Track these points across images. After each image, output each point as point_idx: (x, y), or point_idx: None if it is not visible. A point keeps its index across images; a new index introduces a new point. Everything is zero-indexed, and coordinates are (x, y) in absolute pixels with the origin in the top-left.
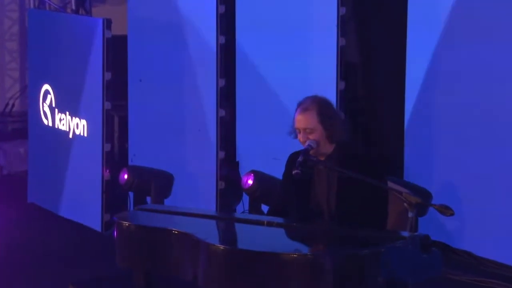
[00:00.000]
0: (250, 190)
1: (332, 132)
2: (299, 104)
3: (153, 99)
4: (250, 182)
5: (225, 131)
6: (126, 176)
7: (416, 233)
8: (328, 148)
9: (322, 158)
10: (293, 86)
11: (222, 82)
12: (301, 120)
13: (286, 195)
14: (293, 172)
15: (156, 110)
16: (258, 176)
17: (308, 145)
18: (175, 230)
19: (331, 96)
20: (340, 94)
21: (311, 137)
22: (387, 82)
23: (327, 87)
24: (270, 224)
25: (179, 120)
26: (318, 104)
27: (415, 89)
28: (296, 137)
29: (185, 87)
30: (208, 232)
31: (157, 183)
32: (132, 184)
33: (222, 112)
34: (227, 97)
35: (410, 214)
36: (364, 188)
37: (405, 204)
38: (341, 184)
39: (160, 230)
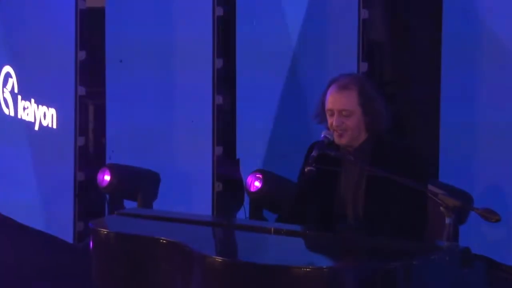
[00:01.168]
0: (258, 195)
1: (372, 118)
2: (334, 81)
3: (136, 84)
4: (258, 184)
5: (223, 122)
6: (108, 177)
7: (455, 244)
8: (360, 138)
9: (351, 149)
10: (307, 64)
11: (219, 63)
12: (337, 100)
13: (302, 195)
14: (306, 170)
15: (139, 97)
16: (267, 177)
17: (324, 136)
18: (163, 239)
19: None
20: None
21: (348, 122)
22: (419, 64)
23: (346, 68)
24: (278, 231)
25: (168, 109)
26: (360, 83)
27: (453, 70)
28: (321, 121)
29: (175, 69)
30: (203, 241)
31: (145, 185)
32: (115, 187)
33: (220, 99)
34: (225, 81)
35: (447, 220)
36: (400, 189)
37: (441, 208)
38: (371, 183)
39: (145, 239)
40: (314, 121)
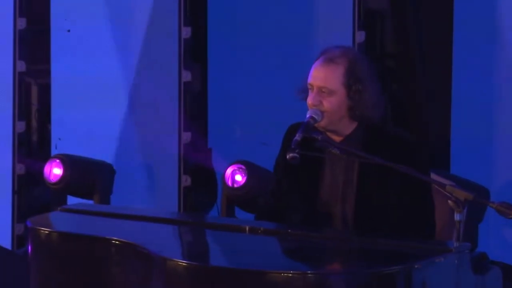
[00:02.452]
0: (240, 191)
1: (357, 104)
2: (323, 52)
3: (87, 58)
4: (240, 178)
5: (191, 103)
6: (58, 171)
7: (466, 244)
8: (346, 126)
9: (338, 139)
10: (292, 34)
11: (187, 32)
12: (319, 74)
13: (281, 188)
14: (288, 156)
15: (91, 75)
16: (252, 170)
17: (310, 116)
18: (115, 240)
19: None
20: (359, 49)
21: (326, 102)
22: (427, 35)
23: (341, 38)
24: (254, 230)
25: (125, 87)
26: (351, 58)
27: (466, 45)
28: (306, 98)
29: (133, 39)
30: (164, 242)
31: (102, 180)
32: (68, 183)
33: (187, 76)
34: (194, 53)
35: (457, 217)
36: (399, 181)
37: (450, 202)
38: (364, 176)
39: (94, 240)
40: (298, 97)
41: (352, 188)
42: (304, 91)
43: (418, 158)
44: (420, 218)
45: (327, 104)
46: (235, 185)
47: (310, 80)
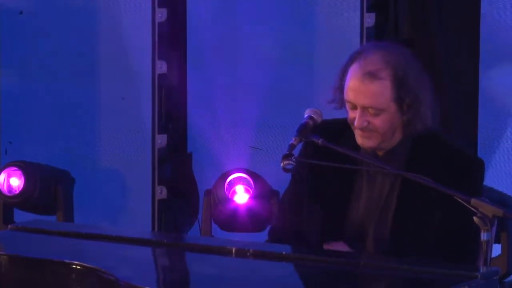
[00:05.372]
0: (244, 211)
1: (413, 117)
2: (357, 56)
3: (43, 45)
4: (241, 191)
5: (167, 99)
6: (17, 182)
7: (495, 269)
8: (393, 139)
9: (380, 153)
10: (288, 15)
11: (162, 15)
12: (360, 93)
13: (299, 206)
14: (282, 164)
15: (47, 64)
16: (259, 182)
17: (309, 116)
18: (76, 264)
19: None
20: (367, 35)
21: (376, 122)
22: (452, 19)
23: (349, 21)
24: (242, 253)
25: (88, 81)
26: (394, 66)
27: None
28: (340, 108)
29: (98, 24)
30: (135, 267)
31: (64, 191)
32: (30, 195)
33: (163, 67)
34: (171, 41)
35: (484, 236)
36: (445, 204)
37: (475, 218)
38: (407, 195)
39: (51, 264)
40: (330, 106)
41: (391, 208)
42: (337, 100)
43: (474, 179)
44: (461, 248)
45: (379, 123)
46: (238, 201)
47: (350, 98)
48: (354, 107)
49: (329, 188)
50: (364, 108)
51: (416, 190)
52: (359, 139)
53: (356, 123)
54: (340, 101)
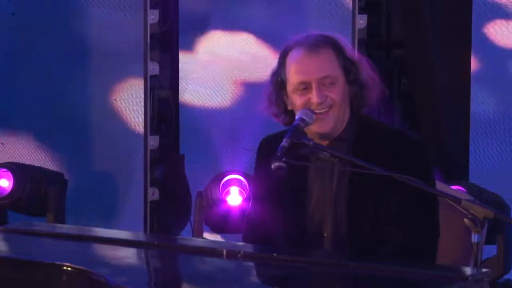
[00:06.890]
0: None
1: (359, 89)
2: (297, 43)
3: (34, 47)
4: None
5: (159, 100)
6: (7, 183)
7: (485, 271)
8: (344, 120)
9: (325, 143)
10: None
11: (154, 16)
12: (312, 66)
13: (260, 207)
14: (273, 166)
15: (35, 61)
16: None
17: (300, 118)
18: (67, 266)
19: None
20: (359, 37)
21: (333, 94)
22: (445, 20)
23: (343, 24)
24: (233, 255)
25: (77, 80)
26: (331, 40)
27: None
28: (287, 122)
29: (90, 26)
30: (126, 269)
31: (55, 193)
32: (19, 197)
33: (155, 68)
34: (163, 40)
35: (475, 238)
36: (398, 192)
37: (466, 220)
38: (357, 186)
39: (41, 266)
40: (277, 121)
41: (343, 199)
42: (281, 111)
43: (422, 161)
44: (418, 239)
45: (335, 96)
46: (232, 204)
47: (301, 77)
48: (308, 87)
49: (285, 188)
50: (320, 82)
51: (366, 177)
52: (315, 126)
53: (315, 99)
54: (284, 111)
